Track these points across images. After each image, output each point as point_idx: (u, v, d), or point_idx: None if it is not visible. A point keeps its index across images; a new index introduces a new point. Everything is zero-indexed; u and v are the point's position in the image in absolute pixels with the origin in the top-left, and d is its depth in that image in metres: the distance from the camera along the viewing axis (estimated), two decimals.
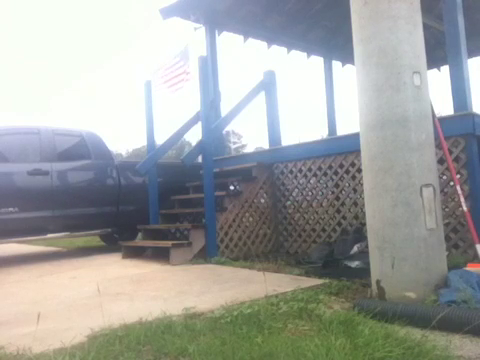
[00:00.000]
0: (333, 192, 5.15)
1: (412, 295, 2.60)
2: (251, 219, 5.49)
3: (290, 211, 5.59)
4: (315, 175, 5.33)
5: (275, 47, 7.86)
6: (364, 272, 3.27)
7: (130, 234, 6.78)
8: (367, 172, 2.89)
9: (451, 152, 4.03)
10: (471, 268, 2.87)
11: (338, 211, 5.10)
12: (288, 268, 4.07)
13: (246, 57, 42.83)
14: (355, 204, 4.92)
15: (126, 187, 6.24)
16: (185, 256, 4.72)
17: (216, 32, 6.89)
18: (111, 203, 6.07)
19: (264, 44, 7.71)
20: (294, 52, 8.26)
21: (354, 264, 4.14)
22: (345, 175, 5.00)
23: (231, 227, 5.24)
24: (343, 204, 5.05)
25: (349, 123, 7.29)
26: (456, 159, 4.07)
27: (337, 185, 5.11)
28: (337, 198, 5.11)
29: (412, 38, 2.79)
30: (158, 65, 6.37)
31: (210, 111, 5.62)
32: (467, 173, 4.03)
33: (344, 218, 5.03)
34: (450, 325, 2.19)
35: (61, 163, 5.75)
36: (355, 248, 4.39)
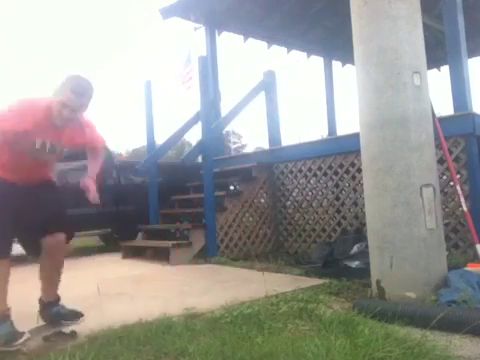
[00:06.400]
0: (333, 192, 5.15)
1: (412, 295, 2.60)
2: (251, 219, 5.49)
3: (290, 211, 5.59)
4: (315, 175, 5.33)
5: (275, 47, 7.86)
6: (364, 272, 3.27)
7: (130, 234, 6.77)
8: (367, 172, 2.89)
9: (451, 152, 4.02)
10: (471, 268, 2.87)
11: (338, 211, 5.09)
12: (288, 268, 4.07)
13: (246, 57, 42.77)
14: (355, 204, 4.92)
15: (126, 187, 6.24)
16: (185, 256, 4.71)
17: (216, 32, 6.89)
18: (111, 203, 6.07)
19: (264, 44, 7.71)
20: (294, 52, 8.25)
21: (354, 264, 4.13)
22: (345, 175, 5.00)
23: (231, 227, 5.24)
24: (343, 204, 5.04)
25: (349, 123, 7.30)
26: (456, 159, 4.07)
27: (337, 185, 5.11)
28: (337, 198, 5.11)
29: (412, 38, 2.79)
30: (173, 68, 6.53)
31: (210, 111, 5.62)
32: (467, 173, 4.02)
33: (344, 218, 5.03)
34: (450, 325, 2.19)
35: (61, 163, 5.74)
36: (355, 248, 4.38)
